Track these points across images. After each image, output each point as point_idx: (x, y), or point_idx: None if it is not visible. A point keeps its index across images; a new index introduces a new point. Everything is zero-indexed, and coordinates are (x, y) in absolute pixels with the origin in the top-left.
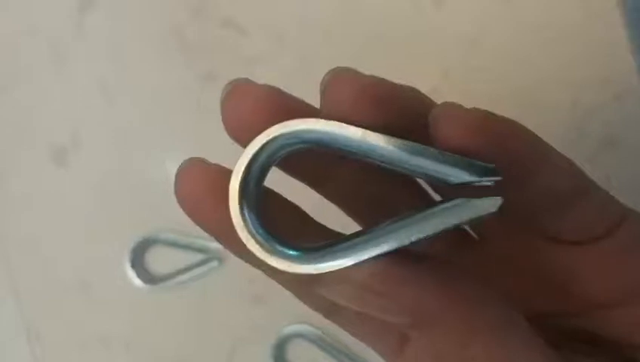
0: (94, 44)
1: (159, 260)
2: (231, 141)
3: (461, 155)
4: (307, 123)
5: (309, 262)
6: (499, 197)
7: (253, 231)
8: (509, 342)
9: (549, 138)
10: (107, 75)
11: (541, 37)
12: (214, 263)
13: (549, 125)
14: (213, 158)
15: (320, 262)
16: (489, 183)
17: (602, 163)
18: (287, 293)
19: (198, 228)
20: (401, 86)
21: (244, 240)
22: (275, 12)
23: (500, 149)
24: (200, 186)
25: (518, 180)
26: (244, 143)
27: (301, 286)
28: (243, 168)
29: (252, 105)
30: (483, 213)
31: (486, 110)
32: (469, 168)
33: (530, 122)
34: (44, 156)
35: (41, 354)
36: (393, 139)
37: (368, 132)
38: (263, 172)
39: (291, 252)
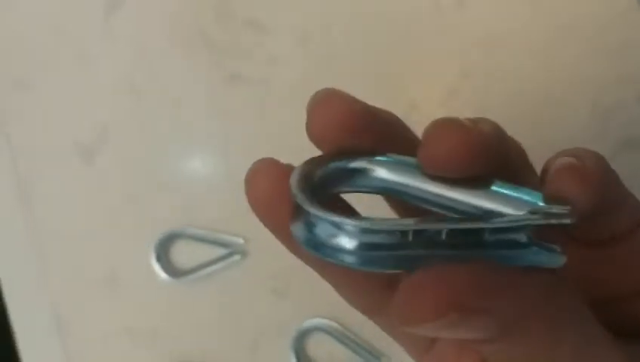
0: (121, 43)
1: (184, 254)
2: (254, 139)
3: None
4: (386, 171)
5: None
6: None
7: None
8: (591, 336)
9: (568, 137)
10: (134, 75)
11: (561, 37)
12: (237, 257)
13: (568, 125)
14: (237, 155)
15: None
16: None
17: (621, 163)
18: (308, 288)
19: (221, 223)
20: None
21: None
22: (298, 13)
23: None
24: (272, 188)
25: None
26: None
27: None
28: (307, 176)
29: (340, 117)
30: (543, 264)
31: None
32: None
33: (549, 122)
34: (73, 154)
35: (70, 344)
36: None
37: (447, 186)
38: (325, 187)
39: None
